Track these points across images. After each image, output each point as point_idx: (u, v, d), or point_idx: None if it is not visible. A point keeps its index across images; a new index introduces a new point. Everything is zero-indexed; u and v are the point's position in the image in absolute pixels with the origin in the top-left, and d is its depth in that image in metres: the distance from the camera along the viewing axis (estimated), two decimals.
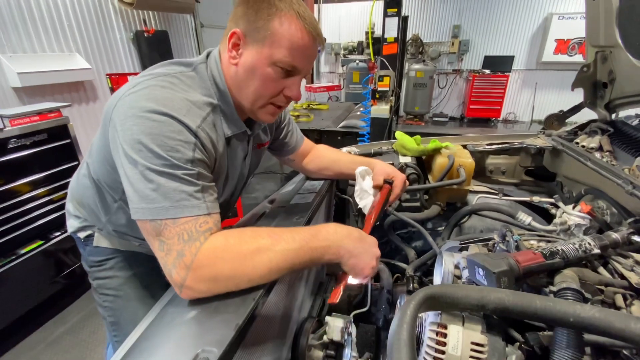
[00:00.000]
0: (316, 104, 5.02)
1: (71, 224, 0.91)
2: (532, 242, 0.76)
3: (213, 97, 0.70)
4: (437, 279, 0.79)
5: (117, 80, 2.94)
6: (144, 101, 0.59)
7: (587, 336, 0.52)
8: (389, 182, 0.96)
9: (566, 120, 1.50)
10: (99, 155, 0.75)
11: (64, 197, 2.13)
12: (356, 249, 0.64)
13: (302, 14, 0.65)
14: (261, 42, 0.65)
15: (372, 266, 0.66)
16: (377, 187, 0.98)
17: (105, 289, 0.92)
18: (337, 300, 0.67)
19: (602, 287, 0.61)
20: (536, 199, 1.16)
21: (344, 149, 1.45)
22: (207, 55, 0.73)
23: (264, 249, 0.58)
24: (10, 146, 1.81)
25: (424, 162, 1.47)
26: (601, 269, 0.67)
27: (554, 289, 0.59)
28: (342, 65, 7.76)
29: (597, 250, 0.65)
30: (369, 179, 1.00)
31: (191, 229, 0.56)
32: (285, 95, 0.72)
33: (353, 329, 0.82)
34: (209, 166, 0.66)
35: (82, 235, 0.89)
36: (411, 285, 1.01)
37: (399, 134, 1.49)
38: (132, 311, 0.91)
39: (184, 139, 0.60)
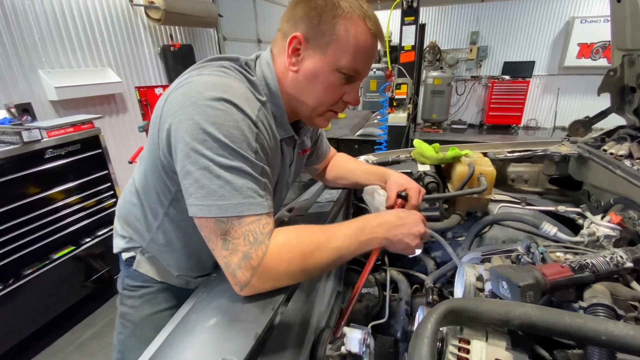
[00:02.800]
0: None
1: (117, 244, 0.88)
2: (558, 254, 0.73)
3: (262, 94, 0.67)
4: (458, 291, 0.77)
5: (145, 93, 3.09)
6: (202, 89, 0.57)
7: (621, 356, 0.49)
8: (402, 196, 0.90)
9: (592, 127, 1.44)
10: (146, 165, 0.72)
11: (94, 204, 2.25)
12: (396, 236, 0.69)
13: (367, 14, 0.62)
14: (325, 47, 0.62)
15: (413, 245, 0.71)
16: (390, 206, 0.92)
17: (127, 320, 0.89)
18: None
19: (636, 303, 0.58)
20: (561, 208, 1.12)
21: (362, 157, 1.46)
22: (257, 57, 0.71)
23: (322, 246, 0.61)
24: (47, 156, 1.93)
25: (442, 171, 1.44)
26: (634, 284, 0.63)
27: (583, 304, 0.57)
28: None
29: (629, 264, 0.62)
30: (378, 196, 0.98)
31: (256, 231, 0.56)
32: (344, 100, 0.70)
33: (371, 341, 0.81)
34: (267, 160, 0.64)
35: (125, 256, 0.87)
36: (430, 296, 0.99)
37: (417, 142, 1.48)
38: (139, 355, 0.91)
39: (246, 129, 0.57)
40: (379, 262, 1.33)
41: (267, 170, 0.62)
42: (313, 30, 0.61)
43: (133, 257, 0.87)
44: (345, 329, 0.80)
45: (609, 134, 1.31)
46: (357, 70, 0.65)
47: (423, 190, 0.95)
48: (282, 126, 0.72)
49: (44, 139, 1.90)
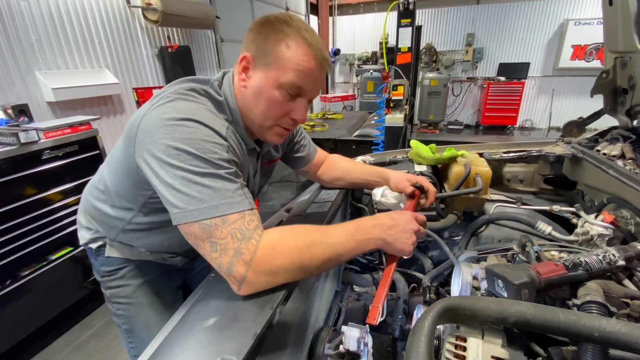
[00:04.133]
0: (331, 114, 5.08)
1: (83, 236, 0.92)
2: (552, 252, 0.74)
3: (226, 114, 0.73)
4: (454, 290, 0.78)
5: (142, 94, 3.09)
6: (172, 112, 0.61)
7: (613, 352, 0.50)
8: (418, 187, 0.95)
9: (586, 127, 1.46)
10: (120, 171, 0.75)
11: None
12: (391, 237, 0.70)
13: (309, 40, 0.67)
14: (268, 66, 0.68)
15: (410, 244, 0.71)
16: (412, 194, 0.97)
17: (118, 298, 0.93)
18: (377, 322, 0.66)
19: (628, 301, 0.59)
20: (556, 207, 1.13)
21: (359, 158, 1.47)
22: (224, 75, 0.77)
23: (317, 242, 0.62)
24: (44, 157, 1.92)
25: (439, 171, 1.46)
26: (626, 281, 0.65)
27: (577, 302, 0.57)
28: (357, 75, 7.83)
29: (622, 262, 0.63)
30: (390, 194, 1.00)
31: (242, 227, 0.58)
32: (291, 117, 0.73)
33: (369, 339, 0.82)
34: (240, 170, 0.69)
35: (93, 246, 0.90)
36: (428, 295, 1.00)
37: (414, 143, 1.49)
38: (145, 318, 0.93)
39: (217, 142, 0.62)
40: (377, 262, 1.34)
41: (240, 174, 0.66)
42: (259, 51, 0.68)
43: (102, 246, 0.89)
44: (344, 328, 0.81)
45: (602, 134, 1.33)
46: (298, 87, 0.69)
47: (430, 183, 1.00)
48: (245, 141, 0.77)
49: (41, 140, 1.89)
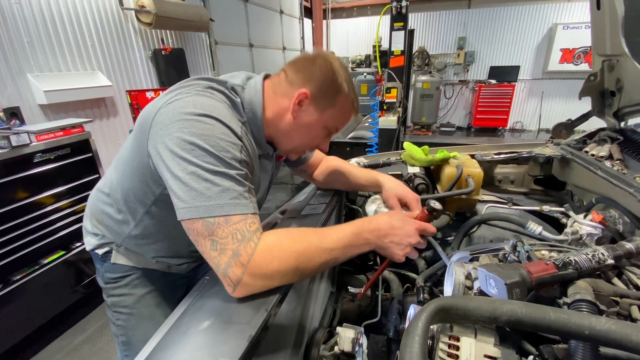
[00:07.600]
0: None
1: (89, 242, 0.91)
2: (543, 252, 0.75)
3: (242, 115, 0.74)
4: (447, 289, 0.78)
5: (136, 97, 3.06)
6: (191, 107, 0.62)
7: (604, 349, 0.50)
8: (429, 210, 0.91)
9: (574, 129, 1.49)
10: (130, 167, 0.75)
11: (85, 208, 2.21)
12: (385, 244, 0.71)
13: (355, 97, 0.80)
14: (323, 109, 0.77)
15: (401, 255, 0.72)
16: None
17: (119, 307, 0.92)
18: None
19: (617, 299, 0.60)
20: (546, 208, 1.15)
21: (353, 160, 1.47)
22: (247, 80, 0.78)
23: (313, 246, 0.63)
24: (36, 160, 1.89)
25: (432, 172, 1.47)
26: (615, 280, 0.66)
27: (567, 300, 0.58)
28: None
29: (611, 261, 0.63)
30: (382, 206, 1.01)
31: (243, 229, 0.59)
32: (318, 147, 0.87)
33: (364, 340, 0.82)
34: (249, 169, 0.70)
35: (100, 252, 0.89)
36: (421, 295, 1.01)
37: (407, 145, 1.51)
38: (144, 331, 0.92)
39: (232, 141, 0.64)
40: (371, 263, 1.34)
41: (250, 176, 0.68)
42: (320, 94, 0.75)
43: (108, 252, 0.89)
44: (339, 329, 0.81)
45: (591, 136, 1.36)
46: (337, 130, 0.83)
47: (419, 197, 0.98)
48: (260, 145, 0.81)
49: (33, 143, 1.87)
